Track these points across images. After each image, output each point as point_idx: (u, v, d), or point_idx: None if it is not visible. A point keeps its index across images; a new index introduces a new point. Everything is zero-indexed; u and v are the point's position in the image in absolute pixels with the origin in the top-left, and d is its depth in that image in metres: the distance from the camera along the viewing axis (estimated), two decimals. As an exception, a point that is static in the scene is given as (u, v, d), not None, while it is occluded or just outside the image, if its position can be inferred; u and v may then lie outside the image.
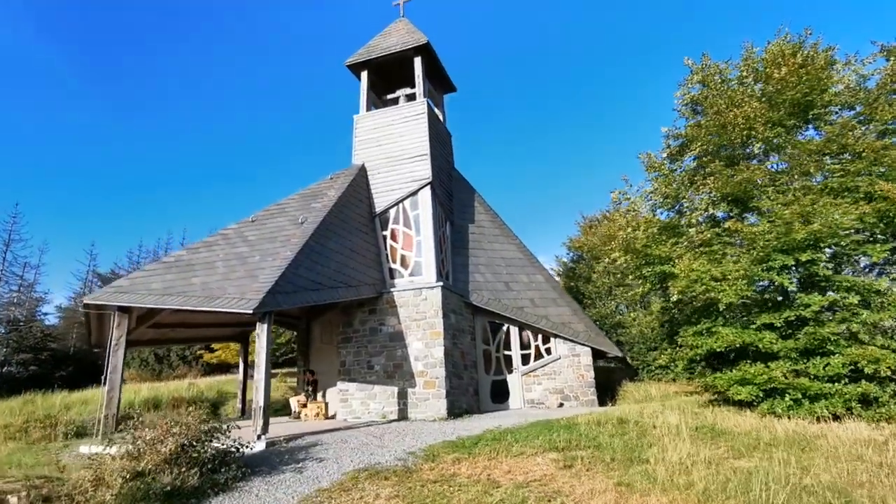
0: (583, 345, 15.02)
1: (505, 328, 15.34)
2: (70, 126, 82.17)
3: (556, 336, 15.09)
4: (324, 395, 14.86)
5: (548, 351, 15.26)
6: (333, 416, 13.77)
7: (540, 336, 15.27)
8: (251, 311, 8.96)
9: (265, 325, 9.37)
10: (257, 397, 9.20)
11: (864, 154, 10.51)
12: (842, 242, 9.10)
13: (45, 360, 33.45)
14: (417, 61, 15.36)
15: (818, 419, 9.14)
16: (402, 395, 12.60)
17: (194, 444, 6.47)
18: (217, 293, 9.82)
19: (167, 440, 6.26)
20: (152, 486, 5.70)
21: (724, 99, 12.18)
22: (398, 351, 12.91)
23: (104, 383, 10.38)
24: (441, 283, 13.06)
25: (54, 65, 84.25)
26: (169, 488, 5.76)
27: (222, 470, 6.66)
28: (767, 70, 12.03)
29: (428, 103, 15.07)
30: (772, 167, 11.64)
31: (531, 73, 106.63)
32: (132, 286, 10.63)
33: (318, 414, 13.75)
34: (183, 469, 6.10)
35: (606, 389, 16.58)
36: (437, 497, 5.91)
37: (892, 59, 11.69)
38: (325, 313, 15.22)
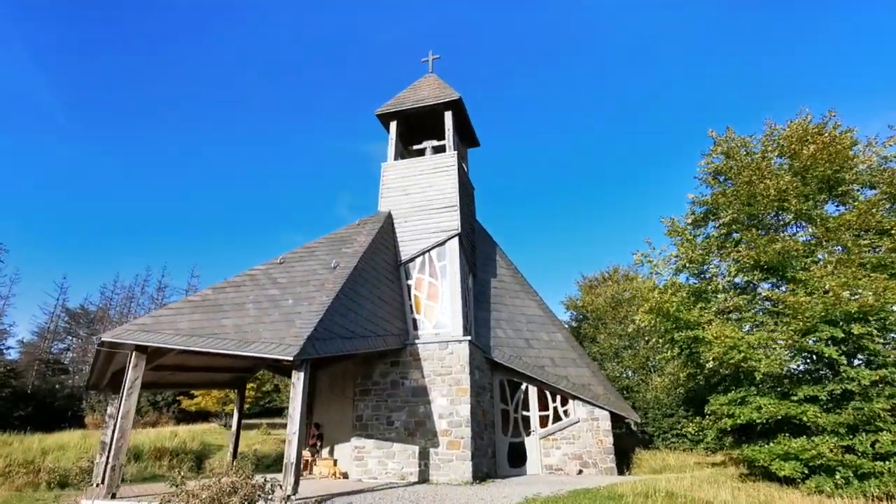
0: (602, 408, 14.61)
1: (524, 387, 14.87)
2: (54, 158, 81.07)
3: (574, 398, 14.66)
4: (331, 452, 13.94)
5: (566, 413, 14.78)
6: (345, 475, 12.85)
7: (559, 397, 14.83)
8: (292, 358, 8.45)
9: (301, 374, 8.83)
10: (289, 452, 8.51)
11: (892, 231, 10.86)
12: (890, 317, 9.16)
13: (6, 397, 31.15)
14: (448, 115, 15.66)
15: (870, 498, 8.86)
16: (424, 456, 11.89)
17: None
18: (251, 337, 9.27)
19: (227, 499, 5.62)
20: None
21: (755, 171, 12.56)
22: (421, 407, 12.30)
23: (115, 428, 9.49)
24: (469, 338, 12.69)
25: (41, 97, 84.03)
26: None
27: (271, 536, 5.99)
28: (794, 146, 12.54)
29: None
30: (801, 238, 11.87)
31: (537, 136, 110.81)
32: (156, 325, 9.98)
33: (333, 473, 12.84)
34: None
35: (620, 456, 16.00)
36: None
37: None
38: (336, 363, 14.56)
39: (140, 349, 9.80)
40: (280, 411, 38.44)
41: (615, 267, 31.47)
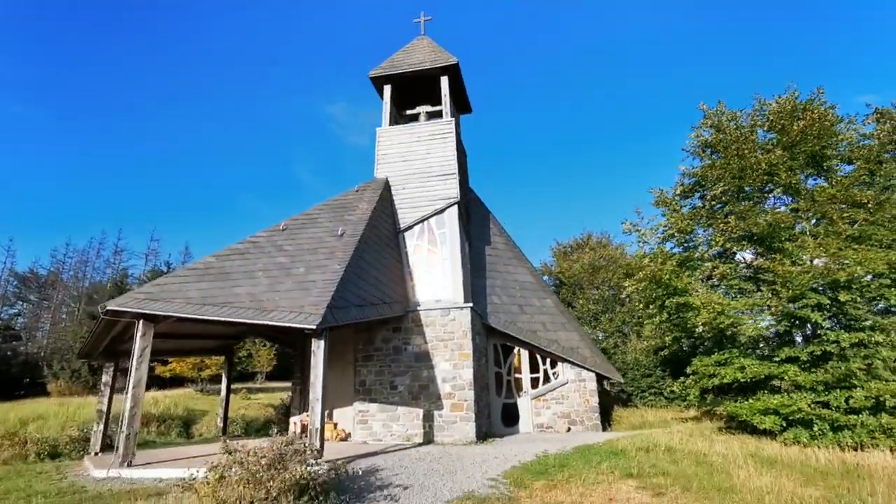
0: (588, 370, 15.33)
1: (515, 351, 15.40)
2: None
3: (564, 360, 15.31)
4: (329, 415, 14.15)
5: (555, 375, 15.45)
6: (347, 438, 13.14)
7: (549, 360, 15.45)
8: (315, 327, 8.48)
9: (321, 342, 8.89)
10: (313, 418, 8.67)
11: (868, 205, 11.69)
12: (871, 286, 9.97)
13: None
14: (444, 80, 15.41)
15: (844, 448, 9.84)
16: (428, 418, 12.27)
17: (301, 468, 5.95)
18: (268, 305, 9.19)
19: (286, 464, 5.73)
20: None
21: (747, 145, 13.07)
22: (424, 372, 12.60)
23: (129, 397, 9.31)
24: (471, 305, 12.96)
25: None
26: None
27: (320, 498, 6.17)
28: (783, 121, 13.08)
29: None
30: (788, 211, 12.56)
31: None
32: (163, 293, 9.71)
33: (335, 436, 13.08)
34: (304, 499, 5.59)
35: (602, 415, 16.95)
36: (566, 528, 5.78)
37: (886, 121, 13.11)
38: (332, 329, 14.59)
39: (147, 318, 9.56)
40: (253, 376, 38.33)
41: (588, 234, 32.33)
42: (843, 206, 11.54)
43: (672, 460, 9.05)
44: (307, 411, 14.54)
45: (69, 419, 16.29)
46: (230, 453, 6.00)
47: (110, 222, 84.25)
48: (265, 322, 8.87)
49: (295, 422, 14.33)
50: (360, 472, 7.91)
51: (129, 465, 9.01)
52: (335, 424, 13.69)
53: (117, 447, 9.19)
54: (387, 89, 15.72)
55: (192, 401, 23.90)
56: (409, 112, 16.72)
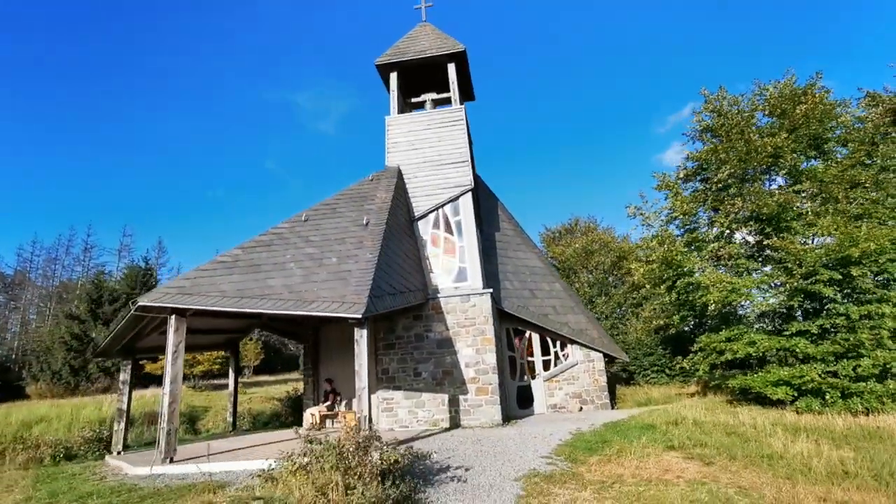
0: (597, 350, 15.74)
1: (527, 334, 15.69)
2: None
3: (573, 342, 15.68)
4: (349, 405, 14.20)
5: (565, 356, 15.82)
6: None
7: (559, 342, 15.81)
8: (360, 316, 8.51)
9: (364, 331, 8.93)
10: (361, 406, 8.73)
11: (866, 184, 12.34)
12: (880, 259, 10.57)
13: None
14: (451, 67, 15.37)
15: (855, 413, 10.48)
16: (454, 403, 12.45)
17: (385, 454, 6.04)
18: (308, 296, 9.14)
19: (369, 451, 5.80)
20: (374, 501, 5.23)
21: (752, 129, 13.54)
22: (447, 358, 12.76)
23: (167, 393, 9.14)
24: (491, 290, 13.15)
25: None
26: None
27: (397, 482, 6.28)
28: (784, 105, 13.59)
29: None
30: (795, 192, 13.11)
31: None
32: (195, 287, 9.53)
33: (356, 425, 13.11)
34: (388, 484, 5.68)
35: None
36: (637, 499, 6.04)
37: (878, 104, 13.78)
38: (336, 321, 14.53)
39: (179, 312, 9.39)
40: (240, 371, 37.74)
41: (576, 219, 32.91)
42: (846, 186, 12.13)
43: (703, 432, 9.48)
44: (323, 401, 14.62)
45: (73, 420, 15.84)
46: (311, 443, 6.04)
47: (79, 218, 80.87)
48: (307, 313, 8.84)
49: (313, 413, 14.29)
50: (419, 456, 8.01)
51: (171, 462, 8.90)
52: (355, 413, 13.73)
53: (158, 444, 9.04)
54: (393, 77, 15.60)
55: (189, 397, 23.50)
56: (414, 100, 16.64)
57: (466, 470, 7.42)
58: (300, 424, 16.46)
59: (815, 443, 8.30)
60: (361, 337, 8.90)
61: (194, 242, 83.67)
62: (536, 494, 6.20)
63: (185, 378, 30.34)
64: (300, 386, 24.43)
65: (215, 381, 31.39)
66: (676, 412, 11.42)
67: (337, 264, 10.07)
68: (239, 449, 10.30)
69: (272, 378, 38.37)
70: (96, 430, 13.38)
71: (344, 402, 14.31)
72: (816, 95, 13.39)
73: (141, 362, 30.10)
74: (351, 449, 5.80)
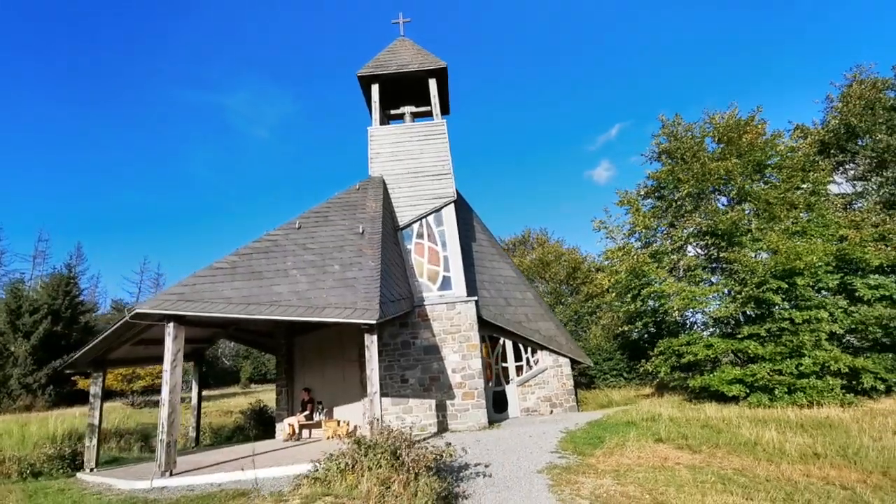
0: (565, 356, 16.66)
1: (502, 341, 16.33)
2: None
3: (543, 348, 16.50)
4: (329, 414, 14.16)
5: (536, 362, 16.60)
6: (353, 434, 13.24)
7: (529, 349, 16.57)
8: (374, 322, 8.73)
9: (374, 337, 9.14)
10: (374, 409, 8.87)
11: (799, 205, 14.12)
12: (818, 272, 12.14)
13: None
14: (432, 82, 15.89)
15: (801, 406, 11.90)
16: (441, 408, 12.80)
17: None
18: (318, 303, 9.19)
19: (411, 448, 6.06)
20: None
21: (703, 153, 15.08)
22: (434, 364, 13.10)
23: (166, 404, 8.81)
24: (475, 298, 13.67)
25: None
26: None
27: (435, 476, 6.58)
28: (730, 134, 15.25)
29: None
30: (746, 211, 14.69)
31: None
32: (195, 293, 9.29)
33: (336, 434, 13.10)
34: (433, 476, 5.97)
35: (571, 397, 18.46)
36: (654, 482, 6.73)
37: (806, 135, 15.79)
38: (312, 330, 14.54)
39: (178, 320, 9.14)
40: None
41: (528, 230, 34.27)
42: (787, 207, 13.82)
43: (680, 426, 10.44)
44: (300, 411, 14.46)
45: (24, 438, 14.57)
46: (358, 444, 6.24)
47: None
48: (320, 319, 8.92)
49: (291, 423, 14.10)
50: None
51: (172, 475, 8.62)
52: (337, 422, 13.71)
53: (158, 457, 8.71)
54: (374, 89, 15.88)
55: (134, 415, 22.11)
56: (393, 112, 16.99)
57: (486, 466, 7.83)
58: (267, 437, 16.12)
59: (780, 431, 9.45)
60: (372, 343, 9.10)
61: (115, 248, 77.97)
62: (564, 483, 6.73)
63: (122, 395, 28.40)
64: (263, 397, 23.72)
65: (155, 398, 29.58)
66: (648, 410, 12.42)
67: (342, 272, 10.21)
68: (229, 461, 10.04)
69: (218, 392, 36.69)
70: (58, 447, 12.51)
71: (325, 411, 14.23)
72: (757, 126, 15.15)
73: (73, 378, 27.92)
74: (404, 446, 6.06)
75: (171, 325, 9.12)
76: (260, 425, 18.58)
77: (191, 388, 16.99)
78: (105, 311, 53.08)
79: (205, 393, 36.45)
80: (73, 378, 27.40)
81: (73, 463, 11.89)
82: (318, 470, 6.31)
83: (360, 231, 11.63)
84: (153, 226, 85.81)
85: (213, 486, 7.98)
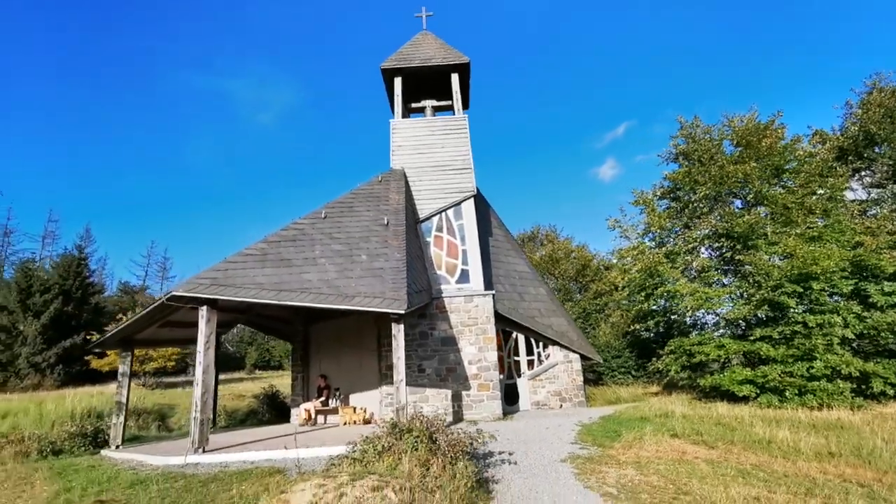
0: (575, 352, 16.92)
1: (514, 335, 16.59)
2: None
3: (555, 343, 16.76)
4: (346, 401, 14.46)
5: (547, 357, 16.87)
6: (370, 421, 13.56)
7: (541, 343, 16.83)
8: (403, 312, 8.98)
9: (402, 326, 9.40)
10: (399, 396, 9.16)
11: (817, 212, 14.29)
12: (833, 278, 12.33)
13: None
14: (455, 77, 16.04)
15: (811, 408, 12.14)
16: (457, 398, 13.08)
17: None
18: (349, 291, 9.45)
19: (446, 433, 6.34)
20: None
21: (721, 155, 15.23)
22: (451, 355, 13.37)
23: (199, 383, 9.10)
24: (493, 292, 13.91)
25: None
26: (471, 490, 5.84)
27: (468, 460, 6.84)
28: (749, 137, 15.39)
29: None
30: (762, 214, 14.85)
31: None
32: (228, 279, 9.55)
33: (353, 420, 13.40)
34: (467, 460, 6.25)
35: (579, 392, 18.73)
36: (676, 474, 6.98)
37: (825, 141, 15.93)
38: (330, 318, 14.80)
39: (211, 303, 9.41)
40: (185, 369, 36.16)
41: (537, 227, 34.43)
42: (805, 212, 13.99)
43: (693, 423, 10.68)
44: (316, 397, 14.76)
45: (42, 416, 14.93)
46: (394, 427, 6.50)
47: (-6, 200, 73.28)
48: (350, 307, 9.18)
49: (308, 408, 14.39)
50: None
51: (204, 451, 8.92)
52: (354, 408, 14.02)
53: (192, 434, 9.01)
54: (397, 82, 16.04)
55: (148, 396, 22.46)
56: (414, 105, 17.15)
57: (510, 454, 8.10)
58: (280, 421, 16.46)
59: (792, 431, 9.69)
60: (399, 332, 9.37)
61: (119, 231, 78.24)
62: (589, 472, 7.00)
63: (136, 375, 28.78)
64: (275, 382, 24.09)
65: (167, 380, 30.00)
66: (660, 407, 12.67)
67: (369, 262, 10.45)
68: (254, 441, 10.34)
69: (225, 376, 37.01)
70: (79, 425, 12.83)
71: (341, 398, 14.53)
72: (777, 130, 15.28)
73: (86, 357, 28.30)
74: (440, 431, 6.33)
75: (205, 308, 9.39)
76: (273, 409, 18.94)
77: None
78: (112, 293, 53.50)
79: (226, 376, 36.88)
80: (85, 358, 27.71)
81: (95, 441, 12.21)
82: (355, 451, 6.58)
83: (385, 222, 11.86)
84: (156, 210, 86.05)
85: (247, 464, 8.27)
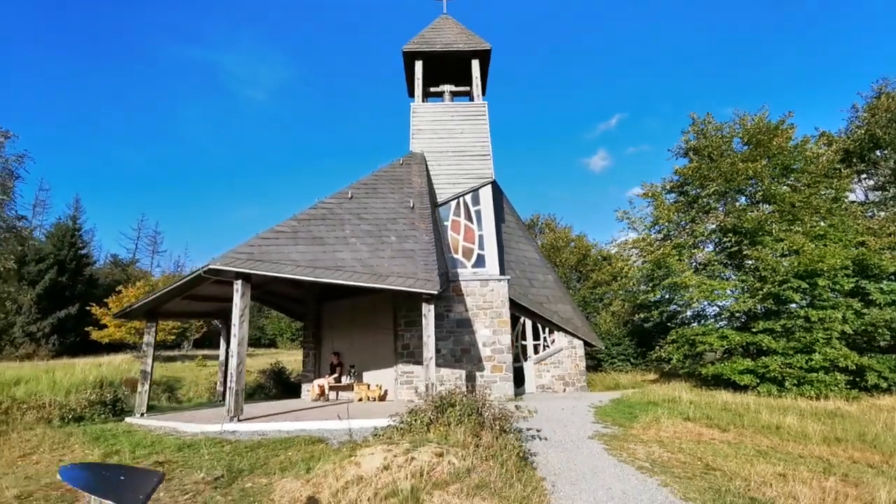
0: (579, 338, 17.42)
1: (522, 320, 17.02)
2: None
3: (560, 329, 17.23)
4: (360, 378, 14.80)
5: (552, 342, 17.35)
6: (384, 397, 13.93)
7: (547, 329, 17.30)
8: (436, 292, 9.28)
9: (432, 306, 9.70)
10: (429, 374, 9.51)
11: (822, 210, 14.82)
12: (836, 275, 12.89)
13: None
14: (475, 63, 16.17)
15: (809, 398, 12.76)
16: (471, 378, 13.49)
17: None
18: (382, 271, 9.72)
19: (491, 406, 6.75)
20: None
21: (731, 153, 15.65)
22: (466, 336, 13.74)
23: (234, 354, 9.35)
24: (508, 277, 14.27)
25: None
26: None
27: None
28: (760, 136, 15.81)
29: (482, 105, 15.97)
30: (768, 211, 15.34)
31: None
32: (263, 254, 9.74)
33: (368, 396, 13.76)
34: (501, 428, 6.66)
35: (579, 377, 19.29)
36: (700, 452, 7.44)
37: (832, 143, 16.42)
38: (343, 297, 15.06)
39: (245, 277, 9.62)
40: (179, 344, 36.11)
41: (537, 215, 34.80)
42: (812, 211, 14.50)
43: (700, 408, 11.21)
44: (329, 374, 15.07)
45: (56, 383, 15.03)
46: (443, 399, 6.85)
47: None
48: (384, 286, 9.45)
49: (321, 384, 14.71)
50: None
51: (239, 420, 9.21)
52: (367, 385, 14.38)
53: (227, 403, 9.29)
54: (418, 65, 16.13)
55: (157, 368, 22.55)
56: (433, 89, 17.26)
57: (538, 431, 8.51)
58: (287, 396, 16.80)
59: (798, 418, 10.25)
60: (430, 311, 9.67)
61: (107, 203, 77.06)
62: (618, 449, 7.43)
63: (133, 348, 28.80)
64: (273, 359, 24.33)
65: (166, 353, 30.04)
66: (665, 393, 13.22)
67: (398, 243, 10.71)
68: (278, 413, 10.64)
69: (216, 352, 37.10)
70: (99, 393, 13.01)
71: (354, 374, 14.87)
72: (787, 130, 15.72)
73: (86, 328, 28.22)
74: (485, 406, 6.71)
75: (240, 282, 9.59)
76: (279, 385, 19.23)
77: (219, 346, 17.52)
78: (102, 265, 52.95)
79: (207, 352, 36.95)
80: (85, 329, 27.66)
81: (114, 409, 12.43)
82: (402, 423, 6.92)
83: (411, 205, 12.09)
84: (145, 182, 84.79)
85: (283, 433, 8.58)
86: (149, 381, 11.70)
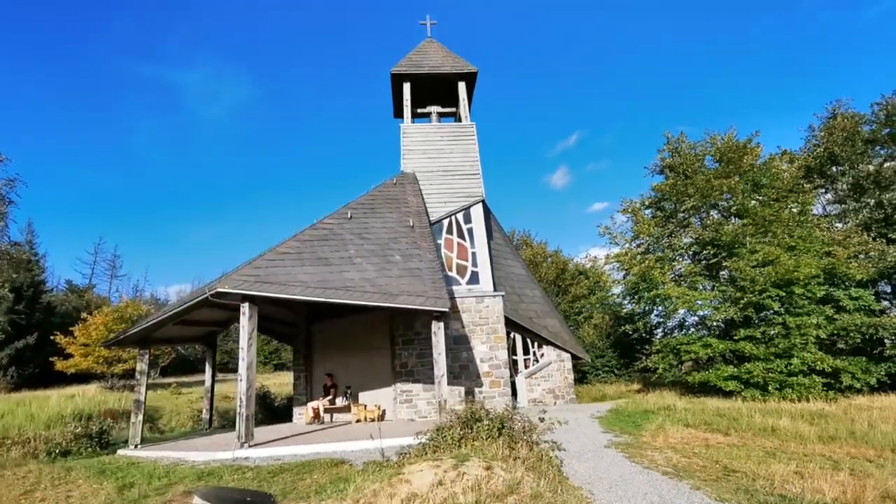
0: (567, 351, 17.83)
1: (512, 335, 17.28)
2: None
3: (549, 343, 17.60)
4: (355, 399, 14.66)
5: (542, 356, 17.68)
6: (382, 417, 13.84)
7: (536, 343, 17.62)
8: (446, 310, 9.43)
9: (441, 324, 9.84)
10: (440, 391, 9.60)
11: (789, 223, 15.80)
12: (811, 283, 13.74)
13: None
14: (462, 85, 16.60)
15: (790, 401, 13.45)
16: (469, 394, 13.58)
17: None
18: (392, 290, 9.77)
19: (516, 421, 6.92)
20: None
21: (704, 170, 16.55)
22: (463, 353, 13.86)
23: (243, 379, 9.15)
24: (503, 293, 14.52)
25: None
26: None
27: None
28: (730, 154, 16.79)
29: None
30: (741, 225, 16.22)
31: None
32: (270, 276, 9.63)
33: (365, 417, 13.63)
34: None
35: (566, 390, 19.64)
36: (714, 455, 7.79)
37: (794, 161, 17.59)
38: (335, 318, 14.98)
39: (251, 300, 9.50)
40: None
41: (512, 230, 35.41)
42: (784, 225, 15.44)
43: (696, 415, 11.67)
44: (323, 396, 14.88)
45: (35, 416, 14.24)
46: (471, 416, 6.96)
47: None
48: (395, 305, 9.52)
49: (315, 406, 14.48)
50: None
51: (251, 446, 9.02)
52: (365, 406, 14.25)
53: (238, 429, 9.06)
54: (406, 87, 16.43)
55: (125, 397, 21.58)
56: (419, 110, 17.57)
57: (554, 442, 8.67)
58: (273, 421, 16.42)
59: (789, 420, 10.81)
60: (440, 329, 9.81)
61: (57, 226, 73.37)
62: (638, 456, 7.70)
63: (101, 378, 27.43)
64: (266, 383, 23.72)
65: (132, 382, 28.71)
66: (656, 402, 13.68)
67: (404, 262, 10.81)
68: (285, 438, 10.48)
69: (191, 378, 35.76)
70: (84, 426, 12.43)
71: (350, 395, 14.70)
72: (755, 148, 16.77)
73: (50, 359, 26.73)
74: (511, 421, 6.87)
75: (247, 305, 9.47)
76: (265, 409, 18.76)
77: (204, 372, 17.00)
78: (58, 292, 50.40)
79: (179, 380, 35.60)
80: (50, 359, 26.23)
81: (101, 442, 11.90)
82: (431, 439, 6.97)
83: (411, 224, 12.24)
84: (100, 204, 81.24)
85: (299, 457, 8.46)
86: (142, 412, 11.29)
